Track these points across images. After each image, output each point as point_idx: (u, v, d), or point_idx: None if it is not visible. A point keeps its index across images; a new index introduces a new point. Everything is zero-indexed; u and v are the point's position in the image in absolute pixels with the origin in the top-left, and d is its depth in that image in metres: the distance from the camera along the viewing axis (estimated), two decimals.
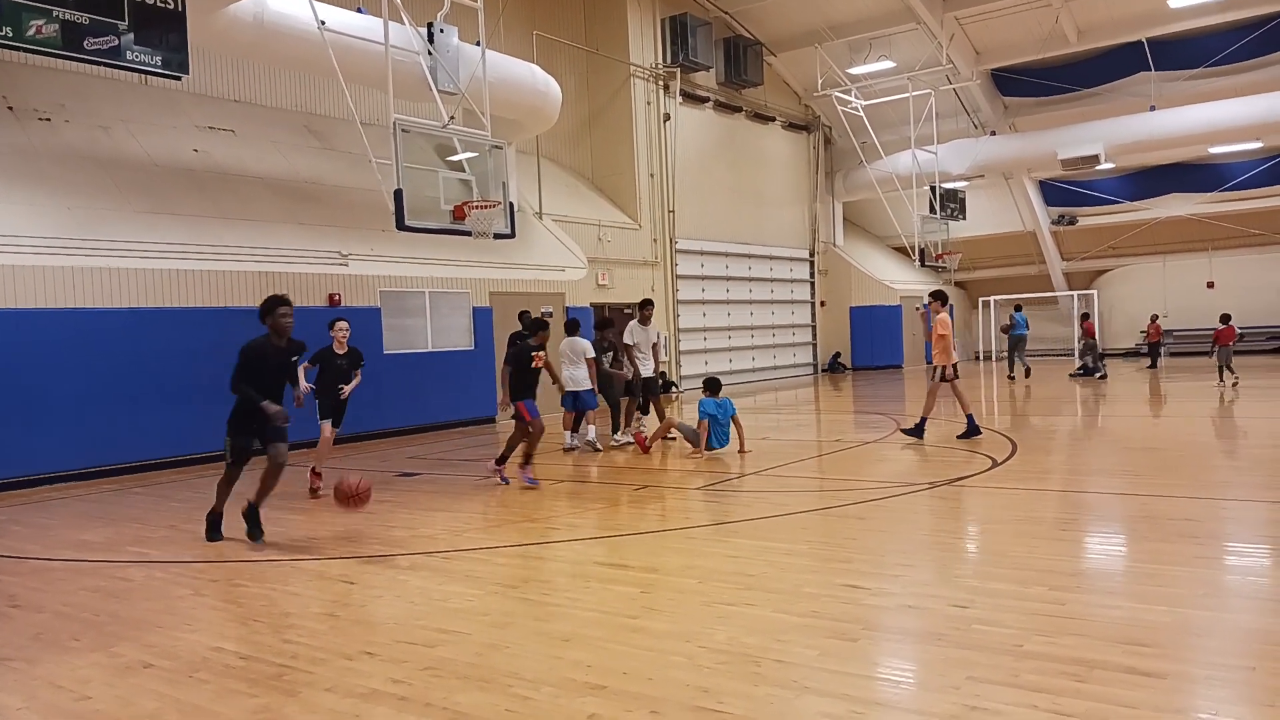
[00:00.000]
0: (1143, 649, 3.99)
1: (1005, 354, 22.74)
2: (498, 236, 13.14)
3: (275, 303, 7.07)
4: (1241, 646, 4.07)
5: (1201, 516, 6.80)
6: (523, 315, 12.78)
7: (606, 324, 12.64)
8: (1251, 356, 24.73)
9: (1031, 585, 5.07)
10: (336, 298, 13.78)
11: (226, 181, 13.83)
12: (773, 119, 26.07)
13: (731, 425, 11.02)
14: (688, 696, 3.69)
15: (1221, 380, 17.79)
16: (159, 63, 9.66)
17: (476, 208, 12.55)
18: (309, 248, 13.86)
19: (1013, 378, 21.49)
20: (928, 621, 4.56)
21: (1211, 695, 3.60)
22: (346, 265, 14.14)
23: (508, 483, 9.34)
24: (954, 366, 11.50)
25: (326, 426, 9.26)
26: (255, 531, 7.13)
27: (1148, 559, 5.76)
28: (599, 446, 11.94)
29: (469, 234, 12.60)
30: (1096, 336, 22.45)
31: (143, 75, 10.23)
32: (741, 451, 10.84)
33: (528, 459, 9.29)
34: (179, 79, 10.38)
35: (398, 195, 11.49)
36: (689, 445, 11.10)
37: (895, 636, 4.49)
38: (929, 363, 11.80)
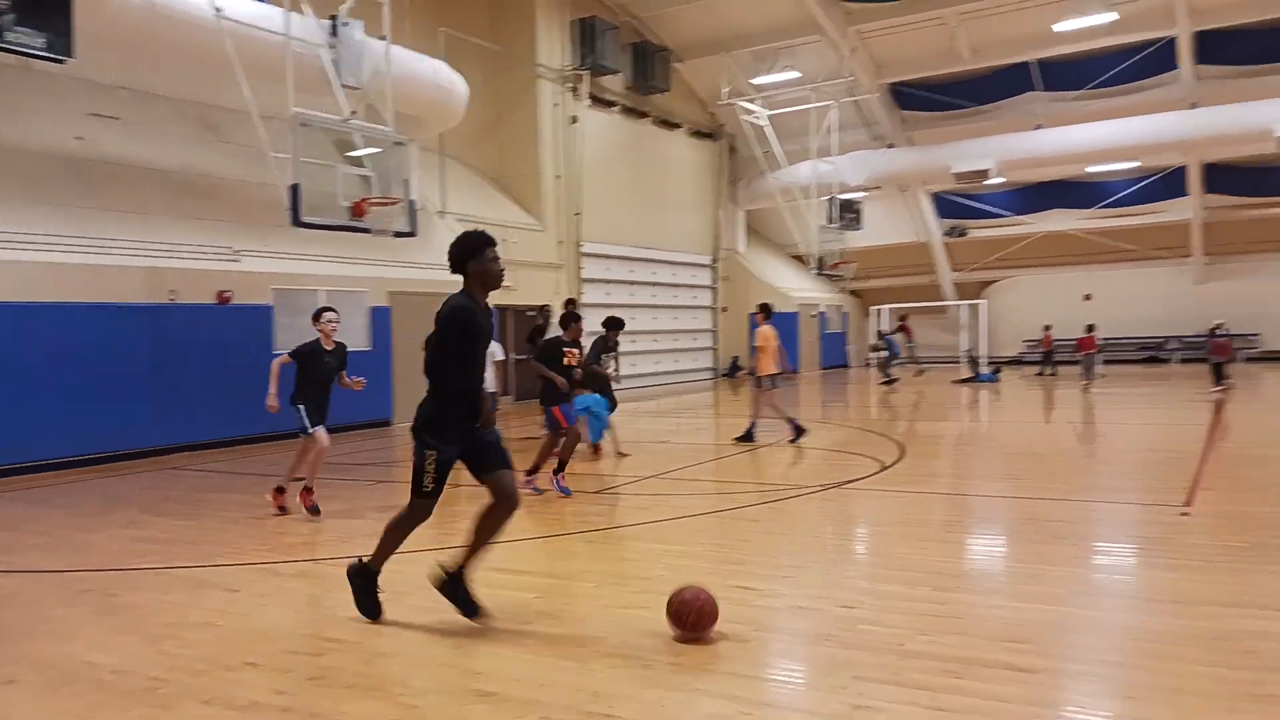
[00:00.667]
0: (1019, 646, 4.16)
1: (881, 362, 23.51)
2: (398, 235, 12.92)
3: (482, 242, 4.79)
4: (1110, 643, 4.28)
5: (1076, 518, 7.13)
6: (568, 304, 12.25)
7: (617, 324, 11.45)
8: (1123, 365, 26.11)
9: (917, 586, 5.23)
10: (227, 295, 13.31)
11: (112, 172, 13.21)
12: (679, 126, 26.30)
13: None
14: (579, 701, 3.69)
15: (1086, 382, 19.29)
16: (42, 45, 9.19)
17: (377, 205, 12.32)
18: (199, 242, 13.34)
19: (892, 381, 22.12)
20: (817, 622, 4.66)
21: (1081, 689, 3.78)
22: (238, 261, 13.66)
23: (541, 493, 8.54)
24: (771, 377, 11.89)
25: (322, 433, 7.99)
26: (472, 607, 4.74)
27: (1027, 560, 6.01)
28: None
29: (368, 231, 12.34)
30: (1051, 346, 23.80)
31: (24, 58, 9.70)
32: (619, 455, 10.95)
33: (562, 466, 8.70)
34: (63, 63, 9.86)
35: (294, 191, 11.18)
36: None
37: (785, 638, 4.57)
38: (792, 369, 12.22)
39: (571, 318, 9.15)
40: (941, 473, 9.92)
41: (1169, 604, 4.83)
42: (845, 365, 31.19)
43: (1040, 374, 24.50)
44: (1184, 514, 6.95)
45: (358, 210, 12.04)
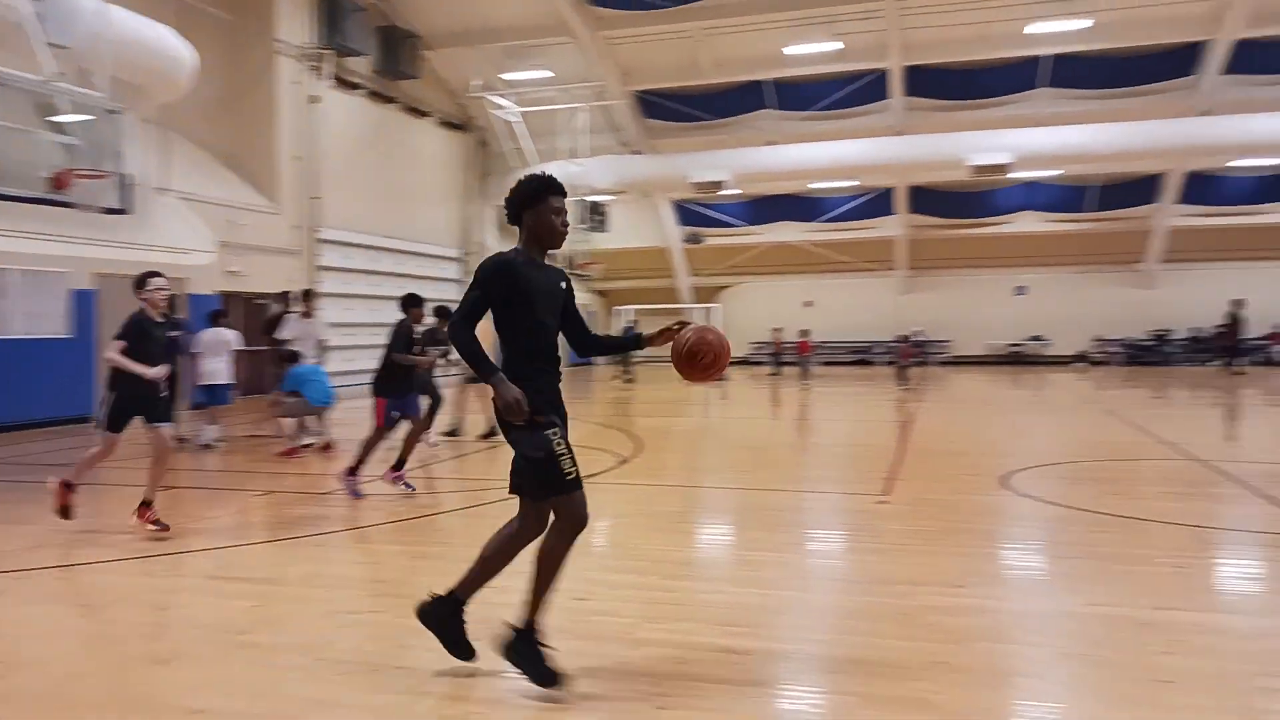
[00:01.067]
0: (736, 629, 4.45)
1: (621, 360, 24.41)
2: (108, 211, 11.75)
3: (544, 187, 3.94)
4: (816, 622, 4.67)
5: (790, 508, 7.71)
6: (306, 295, 11.76)
7: (446, 314, 10.68)
8: (838, 367, 28.54)
9: (648, 575, 5.46)
10: None
11: None
12: (428, 115, 25.74)
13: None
14: (301, 710, 3.54)
15: (804, 382, 20.99)
16: None
17: (84, 177, 11.14)
18: None
19: (630, 380, 22.96)
20: (549, 617, 4.73)
21: (789, 667, 4.10)
22: None
23: (414, 489, 8.16)
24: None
25: (163, 430, 6.70)
26: (549, 671, 3.73)
27: (747, 547, 6.44)
28: (212, 445, 11.11)
29: (72, 206, 11.13)
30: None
31: None
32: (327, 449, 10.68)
33: (401, 462, 8.17)
34: None
35: None
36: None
37: None
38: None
39: (412, 301, 8.40)
40: (675, 466, 10.39)
41: (868, 584, 5.34)
42: (589, 363, 31.84)
43: (774, 374, 26.20)
44: (882, 502, 7.70)
45: (60, 182, 10.84)
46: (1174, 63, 23.42)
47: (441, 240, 26.58)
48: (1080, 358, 29.32)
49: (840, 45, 23.22)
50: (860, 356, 31.00)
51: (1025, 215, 29.76)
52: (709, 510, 7.90)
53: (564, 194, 3.93)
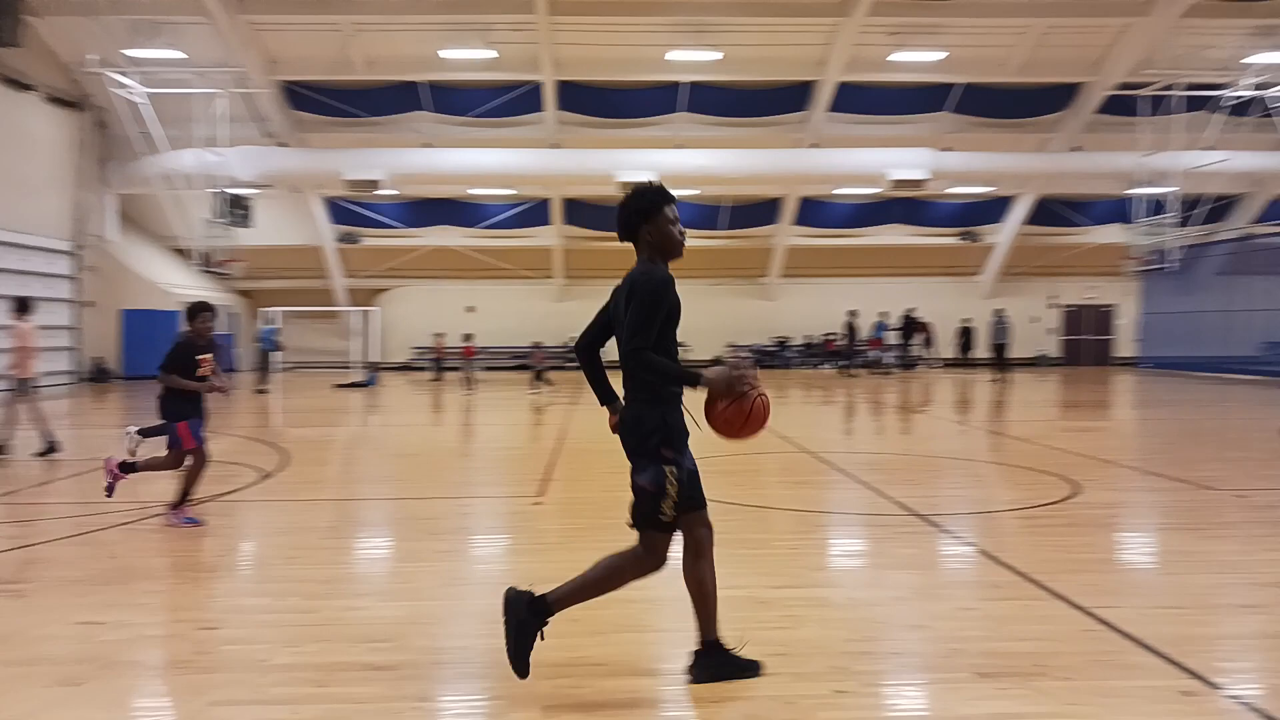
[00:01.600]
0: (380, 645, 4.32)
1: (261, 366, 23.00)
2: None
3: (661, 199, 3.85)
4: (467, 629, 4.67)
5: (447, 514, 7.65)
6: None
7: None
8: (500, 372, 28.84)
9: (287, 597, 5.15)
10: None
11: None
12: (32, 88, 22.44)
13: None
14: None
15: (468, 388, 21.09)
16: None
17: None
18: None
19: (264, 390, 21.66)
20: (172, 649, 4.32)
21: (437, 678, 4.05)
22: None
23: (200, 523, 7.04)
24: (29, 381, 10.93)
25: None
26: (748, 663, 3.93)
27: (400, 559, 6.29)
28: None
29: None
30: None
31: None
32: None
33: (184, 496, 7.10)
34: None
35: None
36: None
37: (131, 672, 4.13)
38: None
39: (202, 308, 7.15)
40: (325, 479, 9.90)
41: (519, 586, 5.41)
42: (232, 369, 29.48)
43: (435, 379, 25.84)
44: (537, 503, 7.88)
45: None
46: (790, 98, 26.27)
47: (49, 231, 23.28)
48: (716, 362, 31.98)
49: (495, 54, 23.45)
50: (522, 362, 31.48)
51: None
52: (361, 524, 7.61)
53: (675, 202, 3.88)
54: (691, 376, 3.70)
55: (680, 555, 3.87)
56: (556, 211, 29.89)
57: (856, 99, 26.07)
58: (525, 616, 3.74)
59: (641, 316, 3.64)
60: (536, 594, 3.81)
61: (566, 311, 31.88)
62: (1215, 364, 25.08)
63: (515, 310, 31.62)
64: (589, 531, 6.77)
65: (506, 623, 3.76)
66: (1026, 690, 3.76)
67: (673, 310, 3.75)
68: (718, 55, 23.63)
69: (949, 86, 25.93)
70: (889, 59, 23.99)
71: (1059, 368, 31.94)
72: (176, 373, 7.08)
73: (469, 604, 5.09)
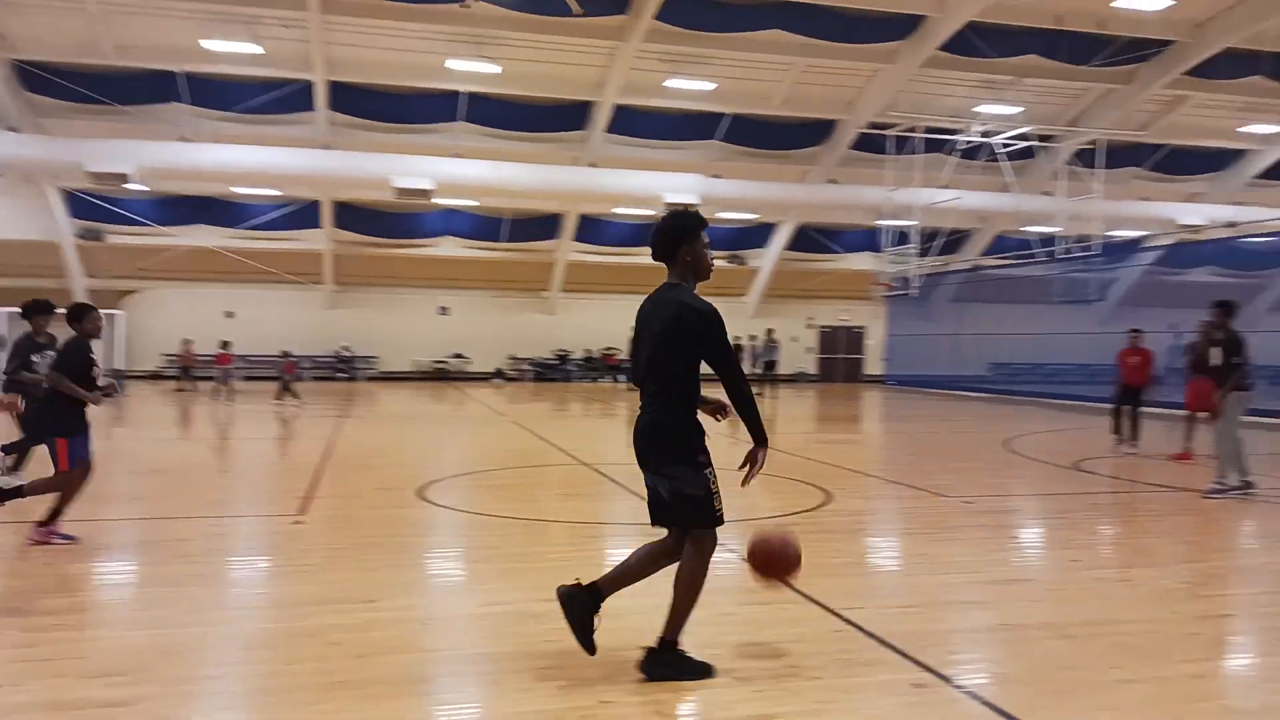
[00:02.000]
0: (119, 678, 3.98)
1: None
2: None
3: (699, 224, 4.30)
4: (215, 656, 4.38)
5: (200, 535, 7.13)
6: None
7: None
8: (263, 382, 27.19)
9: (8, 630, 4.63)
10: None
11: None
12: None
13: None
14: None
15: (224, 397, 20.38)
16: None
17: None
18: None
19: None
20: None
21: (181, 709, 3.76)
22: None
23: (76, 539, 6.59)
24: None
25: None
26: (701, 665, 4.18)
27: (145, 584, 5.82)
28: None
29: None
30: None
31: None
32: None
33: (57, 512, 6.58)
34: None
35: None
36: None
37: None
38: None
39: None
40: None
41: (274, 609, 5.15)
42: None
43: (180, 389, 24.07)
44: (298, 522, 7.51)
45: None
46: (570, 117, 26.62)
47: None
48: (497, 374, 31.80)
49: (261, 49, 22.21)
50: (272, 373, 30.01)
51: (447, 240, 31.48)
52: (100, 548, 6.93)
53: (707, 224, 4.24)
54: (764, 432, 4.20)
55: (680, 554, 4.14)
56: (327, 214, 28.70)
57: (633, 123, 26.81)
58: (584, 606, 4.09)
59: (726, 350, 4.08)
60: (584, 583, 4.15)
61: (339, 319, 30.72)
62: (949, 382, 27.69)
63: (281, 317, 30.01)
64: (353, 551, 6.54)
65: (569, 618, 4.12)
66: (779, 690, 4.00)
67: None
68: (496, 69, 23.56)
69: (719, 116, 27.19)
70: (664, 84, 24.85)
71: (816, 384, 34.17)
72: (72, 379, 6.41)
73: (219, 630, 4.78)
